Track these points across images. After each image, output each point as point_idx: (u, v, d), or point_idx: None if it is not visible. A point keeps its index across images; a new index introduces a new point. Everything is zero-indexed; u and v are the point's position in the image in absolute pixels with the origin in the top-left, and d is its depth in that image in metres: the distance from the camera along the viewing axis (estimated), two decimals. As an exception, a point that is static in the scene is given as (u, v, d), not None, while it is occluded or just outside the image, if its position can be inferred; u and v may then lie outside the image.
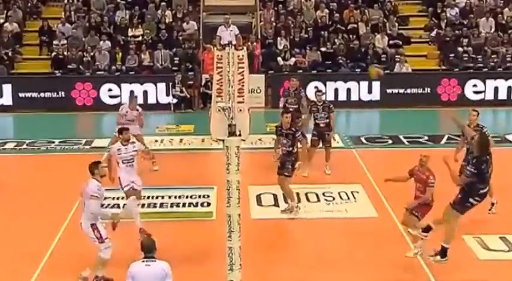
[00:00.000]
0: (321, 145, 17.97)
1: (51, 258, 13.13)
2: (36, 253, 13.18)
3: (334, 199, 16.30)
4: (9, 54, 27.46)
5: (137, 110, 18.91)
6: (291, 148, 15.43)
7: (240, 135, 11.40)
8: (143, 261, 9.27)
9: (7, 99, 26.00)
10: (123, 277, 9.41)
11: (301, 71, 27.14)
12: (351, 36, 28.41)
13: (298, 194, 16.30)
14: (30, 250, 13.31)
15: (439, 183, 12.51)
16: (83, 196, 12.08)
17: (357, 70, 27.40)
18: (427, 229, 12.32)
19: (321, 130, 17.84)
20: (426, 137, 21.72)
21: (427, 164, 12.73)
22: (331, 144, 18.22)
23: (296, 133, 15.50)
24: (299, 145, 15.69)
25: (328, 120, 17.81)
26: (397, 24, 29.17)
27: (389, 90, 26.62)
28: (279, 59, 27.45)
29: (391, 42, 28.25)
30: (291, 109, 18.49)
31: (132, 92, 21.20)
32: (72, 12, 29.14)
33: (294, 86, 19.37)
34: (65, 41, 27.65)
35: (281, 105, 19.28)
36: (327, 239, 14.03)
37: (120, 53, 27.60)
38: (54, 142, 21.16)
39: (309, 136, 17.90)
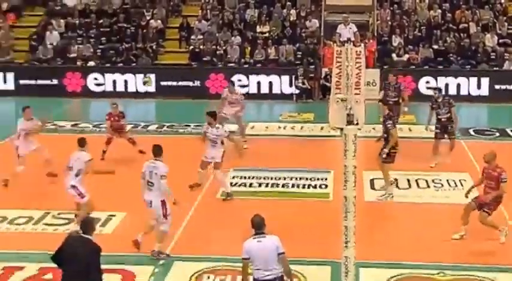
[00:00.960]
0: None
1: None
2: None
3: (442, 185, 15.96)
4: (154, 47, 28.07)
5: (236, 93, 19.22)
6: (385, 135, 15.27)
7: (357, 124, 11.29)
8: (254, 238, 9.16)
9: (151, 87, 26.59)
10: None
11: (413, 66, 26.67)
12: (461, 35, 27.65)
13: (408, 180, 16.06)
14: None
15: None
16: (145, 176, 12.06)
17: (467, 67, 26.68)
18: None
19: (443, 124, 17.43)
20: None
21: (494, 161, 12.27)
22: (455, 135, 17.77)
23: (386, 121, 15.27)
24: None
25: (449, 114, 17.38)
26: (506, 24, 28.18)
27: (497, 86, 25.78)
28: (393, 55, 27.03)
29: (500, 41, 27.34)
30: (390, 102, 18.25)
31: (231, 80, 21.20)
32: (208, 11, 29.49)
33: (393, 80, 19.19)
34: (201, 36, 28.02)
35: (380, 97, 19.03)
36: (432, 223, 13.70)
37: (249, 48, 27.77)
38: (190, 126, 21.48)
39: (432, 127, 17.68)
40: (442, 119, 17.41)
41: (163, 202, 11.95)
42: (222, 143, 15.42)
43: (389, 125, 15.22)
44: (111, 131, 18.17)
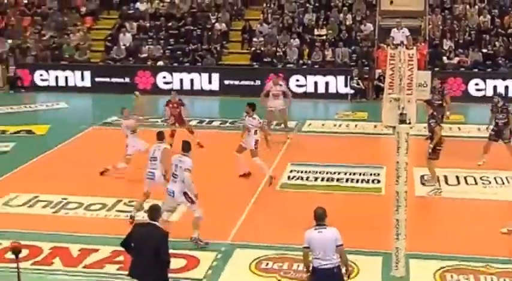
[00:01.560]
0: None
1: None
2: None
3: (490, 182, 15.69)
4: (218, 48, 28.22)
5: (280, 85, 19.44)
6: (430, 134, 15.21)
7: (409, 122, 11.19)
8: (316, 229, 9.15)
9: (215, 86, 26.76)
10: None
11: (463, 69, 26.25)
12: (510, 39, 27.09)
13: (457, 177, 15.84)
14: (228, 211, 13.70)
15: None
16: (171, 168, 12.06)
17: (515, 69, 26.18)
18: None
19: (500, 128, 17.10)
20: None
21: None
22: (510, 140, 17.42)
23: (430, 120, 15.19)
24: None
25: (506, 120, 17.06)
26: (555, 29, 27.53)
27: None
28: (444, 58, 26.65)
29: (547, 45, 26.74)
30: (435, 104, 18.01)
31: (277, 73, 21.04)
32: (269, 15, 29.49)
33: (438, 84, 18.99)
34: (262, 39, 28.05)
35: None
36: (480, 218, 13.51)
37: (307, 49, 27.67)
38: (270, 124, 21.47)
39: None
40: (499, 123, 17.09)
41: (185, 193, 11.97)
42: (256, 133, 15.72)
43: (432, 124, 15.11)
44: (172, 119, 18.14)
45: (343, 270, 9.17)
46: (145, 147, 15.40)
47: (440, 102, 18.59)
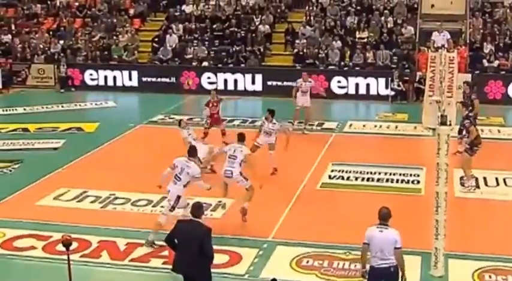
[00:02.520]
0: None
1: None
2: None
3: (530, 184, 15.43)
4: (261, 50, 28.24)
5: (310, 82, 20.12)
6: (466, 134, 15.23)
7: (449, 124, 11.06)
8: (378, 227, 9.11)
9: (258, 86, 26.77)
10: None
11: (503, 72, 25.83)
12: (550, 42, 26.62)
13: (497, 179, 15.61)
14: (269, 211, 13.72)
15: None
16: (175, 169, 11.99)
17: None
18: None
19: None
20: None
21: None
22: None
23: (464, 121, 15.28)
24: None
25: None
26: None
27: None
28: (484, 61, 26.24)
29: None
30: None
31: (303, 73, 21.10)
32: (312, 17, 29.40)
33: (467, 89, 18.59)
34: (305, 41, 27.97)
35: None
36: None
37: (349, 52, 27.52)
38: (293, 123, 21.42)
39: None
40: None
41: (178, 197, 11.92)
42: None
43: (467, 124, 15.06)
44: (209, 121, 17.97)
45: (400, 274, 9.05)
46: (205, 154, 15.33)
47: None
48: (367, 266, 9.16)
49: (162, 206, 13.76)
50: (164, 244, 9.55)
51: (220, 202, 14.00)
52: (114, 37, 29.51)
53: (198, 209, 9.18)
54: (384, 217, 9.16)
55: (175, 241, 9.03)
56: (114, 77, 27.81)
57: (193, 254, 8.76)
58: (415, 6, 28.94)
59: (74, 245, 10.99)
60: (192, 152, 12.34)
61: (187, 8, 30.82)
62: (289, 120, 20.08)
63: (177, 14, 30.74)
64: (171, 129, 19.84)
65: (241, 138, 13.60)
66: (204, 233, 8.89)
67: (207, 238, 8.87)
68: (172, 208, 12.00)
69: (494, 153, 17.27)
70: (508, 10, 28.31)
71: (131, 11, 31.42)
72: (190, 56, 28.29)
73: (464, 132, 15.65)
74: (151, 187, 14.77)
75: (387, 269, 8.93)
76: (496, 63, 26.15)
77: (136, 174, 16.02)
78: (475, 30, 27.65)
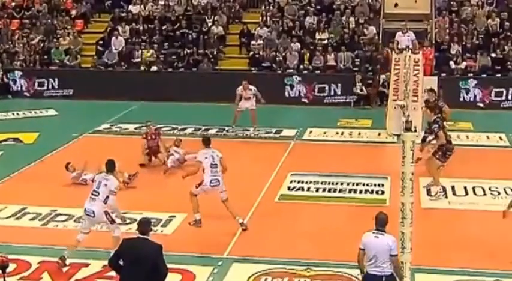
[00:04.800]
0: None
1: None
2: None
3: (499, 193, 15.67)
4: (214, 53, 28.26)
5: (250, 89, 21.06)
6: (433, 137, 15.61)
7: (415, 131, 11.18)
8: (373, 233, 9.34)
9: (212, 92, 26.64)
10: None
11: (471, 74, 26.28)
12: (520, 43, 27.17)
13: (465, 187, 15.85)
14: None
15: None
16: (93, 185, 12.10)
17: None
18: None
19: None
20: None
21: None
22: None
23: (432, 125, 15.44)
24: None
25: None
26: None
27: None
28: (451, 63, 26.68)
29: (560, 50, 26.76)
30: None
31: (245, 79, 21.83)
32: (268, 17, 29.53)
33: (432, 97, 18.67)
34: (261, 43, 28.10)
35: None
36: (488, 231, 13.48)
37: (308, 54, 27.72)
38: (249, 130, 21.54)
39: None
40: None
41: (105, 212, 11.90)
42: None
43: (435, 129, 15.19)
44: (148, 151, 17.93)
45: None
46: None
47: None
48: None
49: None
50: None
51: (172, 216, 13.94)
52: (55, 40, 29.24)
53: (145, 225, 9.12)
54: (381, 223, 9.39)
55: (121, 261, 8.93)
56: (55, 83, 27.53)
57: (144, 274, 8.69)
58: (378, 5, 29.29)
59: (11, 267, 10.81)
60: (110, 166, 12.19)
61: (134, 8, 30.68)
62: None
63: (123, 14, 30.58)
64: (118, 139, 19.73)
65: (208, 142, 13.68)
66: (155, 250, 8.84)
67: (160, 256, 8.83)
68: (112, 222, 11.94)
69: (463, 160, 17.52)
70: (475, 8, 28.81)
71: (73, 12, 31.13)
72: (138, 59, 28.17)
73: (430, 138, 15.86)
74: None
75: (379, 278, 9.15)
76: (463, 64, 26.59)
77: (80, 188, 15.83)
78: (441, 30, 28.09)
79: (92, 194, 11.92)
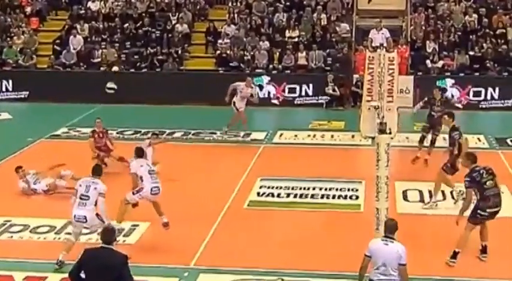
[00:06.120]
0: None
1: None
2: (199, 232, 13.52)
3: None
4: (179, 52, 28.23)
5: (252, 87, 21.22)
6: (451, 147, 15.28)
7: (389, 133, 11.27)
8: (382, 240, 9.42)
9: (176, 93, 26.61)
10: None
11: (449, 73, 26.53)
12: (499, 40, 27.45)
13: (443, 192, 15.96)
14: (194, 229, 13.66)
15: None
16: (79, 190, 12.20)
17: (504, 74, 26.47)
18: None
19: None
20: None
21: None
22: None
23: (452, 132, 15.23)
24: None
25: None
26: (546, 29, 27.94)
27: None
28: (428, 61, 26.93)
29: (540, 47, 27.13)
30: (435, 116, 18.16)
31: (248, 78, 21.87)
32: (236, 15, 29.60)
33: (439, 95, 18.91)
34: (228, 41, 28.12)
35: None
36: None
37: (278, 53, 27.80)
38: (216, 133, 21.54)
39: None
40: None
41: (97, 215, 12.12)
42: None
43: (456, 136, 14.99)
44: (97, 151, 17.88)
45: None
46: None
47: (441, 114, 18.45)
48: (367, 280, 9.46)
49: (67, 233, 13.55)
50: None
51: (135, 225, 13.87)
52: (8, 39, 28.99)
53: (110, 234, 9.06)
54: (391, 229, 9.47)
55: (82, 274, 8.85)
56: (9, 85, 27.29)
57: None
58: (351, 1, 29.46)
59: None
60: (97, 171, 12.53)
61: (94, 5, 30.56)
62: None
63: (81, 12, 30.48)
64: (77, 143, 19.59)
65: (139, 153, 13.74)
66: (120, 261, 8.76)
67: (125, 267, 8.75)
68: (103, 222, 12.01)
69: (441, 163, 17.65)
70: (452, 4, 29.08)
71: (28, 9, 30.92)
72: (98, 59, 28.04)
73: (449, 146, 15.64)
74: (54, 211, 14.54)
75: None
76: (440, 63, 26.84)
77: (37, 197, 15.74)
78: (416, 27, 28.33)
79: (81, 199, 12.08)
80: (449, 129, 15.27)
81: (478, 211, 12.12)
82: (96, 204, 12.08)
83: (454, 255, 12.19)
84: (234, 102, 20.95)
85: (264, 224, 14.38)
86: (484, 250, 12.42)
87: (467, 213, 12.25)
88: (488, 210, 12.10)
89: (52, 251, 12.59)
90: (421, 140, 18.39)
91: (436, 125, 17.83)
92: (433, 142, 18.20)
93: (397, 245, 9.38)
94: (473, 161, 12.44)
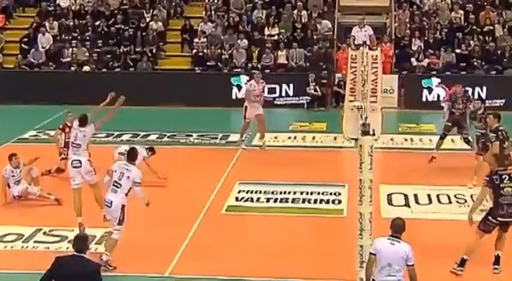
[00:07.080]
0: None
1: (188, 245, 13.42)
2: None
3: (466, 201, 15.89)
4: (154, 51, 28.18)
5: (262, 83, 20.40)
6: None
7: (373, 134, 11.28)
8: (389, 239, 9.44)
9: (152, 93, 26.58)
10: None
11: (434, 72, 26.65)
12: (486, 38, 27.64)
13: (429, 195, 16.03)
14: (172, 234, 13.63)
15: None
16: (113, 176, 12.34)
17: (492, 72, 26.63)
18: None
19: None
20: None
21: None
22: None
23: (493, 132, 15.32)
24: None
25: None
26: (535, 26, 28.16)
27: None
28: (413, 60, 27.05)
29: (528, 44, 27.31)
30: (456, 113, 18.17)
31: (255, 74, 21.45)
32: (213, 12, 29.61)
33: (461, 91, 18.76)
34: (205, 39, 28.11)
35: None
36: (456, 241, 13.65)
37: (257, 52, 27.83)
38: (192, 136, 21.53)
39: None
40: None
41: (123, 207, 12.19)
42: None
43: (493, 138, 14.99)
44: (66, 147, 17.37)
45: None
46: None
47: (462, 111, 18.40)
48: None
49: (36, 241, 13.47)
50: None
51: (107, 232, 13.80)
52: (-27, 37, 28.86)
53: (82, 242, 8.99)
54: (397, 229, 9.50)
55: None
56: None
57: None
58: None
59: None
60: (131, 155, 12.56)
61: (63, 2, 30.46)
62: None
63: (50, 8, 30.37)
64: (47, 147, 19.45)
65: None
66: (93, 270, 8.70)
67: (98, 276, 8.71)
68: (121, 221, 12.16)
69: (427, 165, 17.77)
70: (438, 0, 29.22)
71: (-7, 6, 30.79)
72: (68, 59, 27.94)
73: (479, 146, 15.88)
74: (21, 218, 14.44)
75: None
76: (425, 62, 26.97)
77: (2, 203, 15.63)
78: (401, 24, 28.46)
79: (114, 185, 12.30)
80: (491, 130, 15.23)
81: (489, 218, 12.13)
82: (127, 194, 12.22)
83: (462, 262, 12.16)
84: (246, 108, 20.13)
85: (242, 230, 14.39)
86: (496, 261, 12.31)
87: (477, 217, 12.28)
88: (499, 218, 12.07)
89: (20, 260, 12.52)
90: (442, 138, 18.35)
91: (458, 123, 17.91)
92: (466, 141, 18.14)
93: (404, 245, 9.42)
94: (500, 164, 12.45)
